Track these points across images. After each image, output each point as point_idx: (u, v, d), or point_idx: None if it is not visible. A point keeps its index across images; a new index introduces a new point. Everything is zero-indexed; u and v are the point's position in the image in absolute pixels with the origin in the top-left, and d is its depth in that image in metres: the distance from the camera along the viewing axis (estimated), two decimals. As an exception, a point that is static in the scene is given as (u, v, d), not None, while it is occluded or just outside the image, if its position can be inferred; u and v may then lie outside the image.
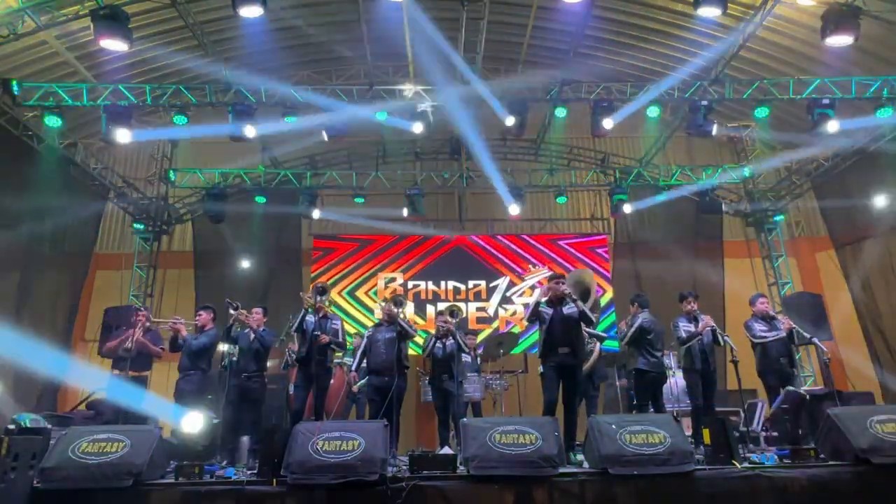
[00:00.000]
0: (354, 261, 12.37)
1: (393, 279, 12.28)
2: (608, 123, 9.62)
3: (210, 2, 9.60)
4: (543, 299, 6.10)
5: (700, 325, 6.72)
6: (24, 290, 9.66)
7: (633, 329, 6.76)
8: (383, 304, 7.07)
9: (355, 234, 12.58)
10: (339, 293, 12.07)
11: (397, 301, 6.84)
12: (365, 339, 6.91)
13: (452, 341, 6.97)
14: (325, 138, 10.16)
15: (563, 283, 6.06)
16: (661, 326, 6.90)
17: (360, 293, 12.19)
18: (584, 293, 6.41)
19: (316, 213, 11.86)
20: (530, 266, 12.37)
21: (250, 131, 9.34)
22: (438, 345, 7.13)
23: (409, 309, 11.83)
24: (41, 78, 9.71)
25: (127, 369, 6.88)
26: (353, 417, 8.04)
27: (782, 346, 6.90)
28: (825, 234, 11.90)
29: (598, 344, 7.46)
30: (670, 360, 7.85)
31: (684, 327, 6.84)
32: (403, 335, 6.61)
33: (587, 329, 7.16)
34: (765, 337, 6.91)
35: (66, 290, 10.74)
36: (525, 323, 6.52)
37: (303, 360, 6.45)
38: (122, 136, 9.05)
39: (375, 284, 12.25)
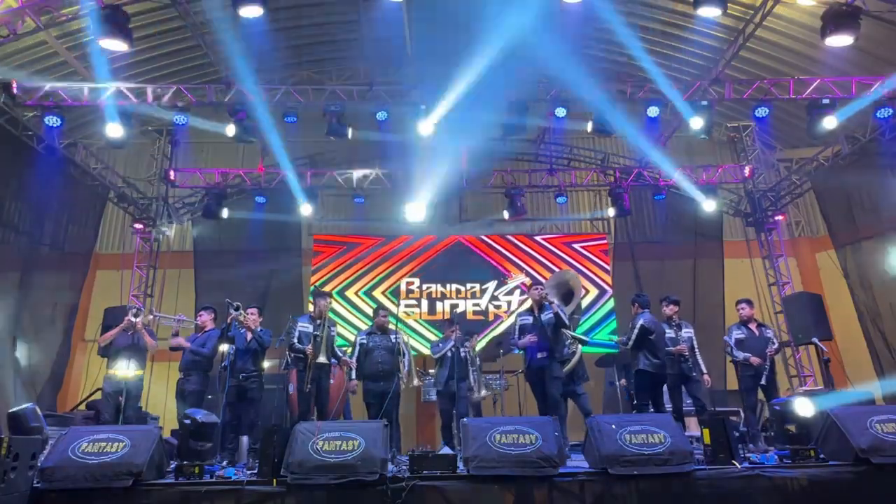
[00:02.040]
0: (358, 261, 12.39)
1: (412, 283, 12.39)
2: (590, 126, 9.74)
3: (210, 2, 9.60)
4: (522, 309, 6.28)
5: (676, 347, 6.80)
6: (24, 290, 9.65)
7: (635, 330, 6.78)
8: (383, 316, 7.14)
9: (355, 234, 12.62)
10: (340, 293, 12.11)
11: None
12: (357, 347, 6.96)
13: (465, 348, 7.22)
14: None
15: (540, 288, 6.17)
16: (661, 327, 6.92)
17: (359, 293, 12.22)
18: (567, 295, 6.50)
19: (307, 209, 11.69)
20: (511, 275, 12.43)
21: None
22: (450, 350, 7.26)
23: (423, 307, 12.11)
24: (41, 78, 9.71)
25: (125, 369, 6.88)
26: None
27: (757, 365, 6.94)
28: (825, 234, 11.88)
29: (579, 346, 7.53)
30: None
31: (665, 333, 6.90)
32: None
33: (568, 332, 7.25)
34: (730, 354, 7.01)
35: (66, 290, 10.71)
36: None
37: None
38: (115, 130, 9.06)
39: (375, 283, 12.29)
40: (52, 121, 9.11)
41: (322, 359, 6.35)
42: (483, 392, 8.12)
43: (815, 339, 7.11)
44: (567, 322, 6.27)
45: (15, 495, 4.05)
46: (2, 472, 3.95)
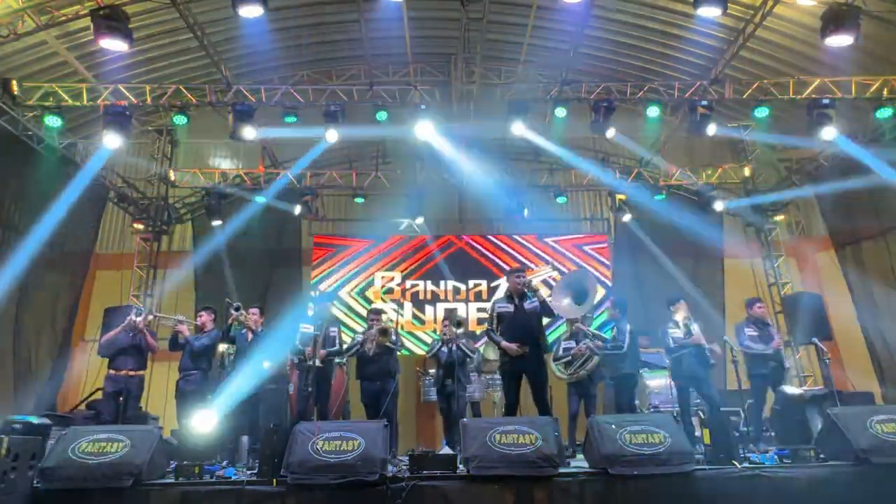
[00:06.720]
0: (356, 262, 12.39)
1: (391, 279, 12.29)
2: (611, 132, 9.67)
3: (210, 2, 9.59)
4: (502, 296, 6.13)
5: (692, 338, 6.71)
6: (24, 290, 9.64)
7: (627, 336, 6.80)
8: (373, 319, 7.13)
9: (355, 235, 12.63)
10: (349, 293, 12.15)
11: (384, 331, 6.84)
12: (355, 346, 7.01)
13: (456, 348, 7.13)
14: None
15: (522, 277, 5.99)
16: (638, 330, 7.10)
17: (368, 293, 12.25)
18: (580, 294, 6.35)
19: (298, 209, 11.69)
20: (533, 268, 12.36)
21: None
22: (444, 349, 7.27)
23: (406, 310, 11.99)
24: (41, 78, 9.70)
25: (126, 369, 6.88)
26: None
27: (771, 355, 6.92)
28: (825, 234, 11.88)
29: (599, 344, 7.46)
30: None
31: (672, 334, 6.86)
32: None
33: (585, 328, 7.22)
34: (750, 347, 6.92)
35: (66, 290, 10.71)
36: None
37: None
38: (114, 140, 9.01)
39: (375, 284, 12.28)
40: (52, 121, 9.10)
41: (316, 361, 6.34)
42: (477, 394, 8.09)
43: (815, 339, 7.10)
44: (552, 311, 5.91)
45: (15, 495, 4.05)
46: (2, 472, 3.95)
